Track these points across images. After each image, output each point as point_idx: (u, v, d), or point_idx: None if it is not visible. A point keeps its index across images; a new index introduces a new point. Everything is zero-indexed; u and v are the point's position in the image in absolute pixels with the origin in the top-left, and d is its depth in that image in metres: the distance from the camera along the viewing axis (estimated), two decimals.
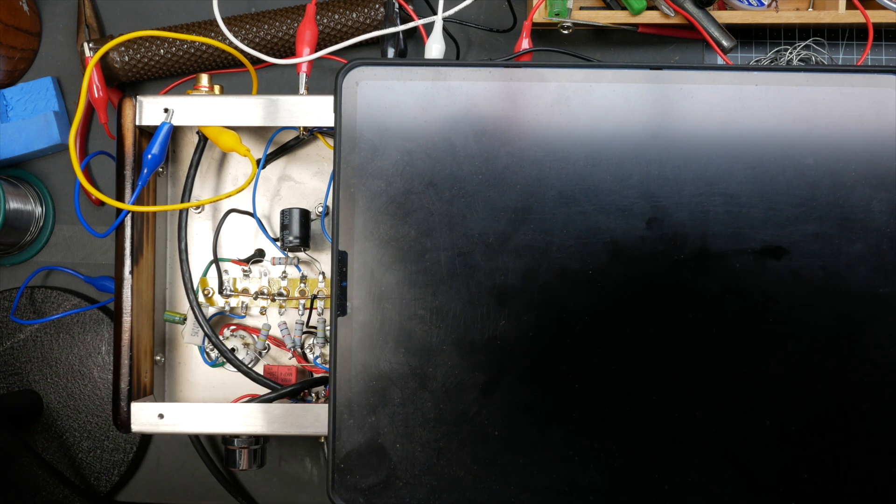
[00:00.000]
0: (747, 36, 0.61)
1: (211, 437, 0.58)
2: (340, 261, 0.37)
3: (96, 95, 0.56)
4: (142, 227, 0.46)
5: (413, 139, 0.38)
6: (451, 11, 0.52)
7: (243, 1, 0.61)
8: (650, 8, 0.56)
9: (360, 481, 0.37)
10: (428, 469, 0.37)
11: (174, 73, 0.59)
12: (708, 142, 0.38)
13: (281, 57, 0.59)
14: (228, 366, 0.49)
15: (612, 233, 0.38)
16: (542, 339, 0.38)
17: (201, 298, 0.49)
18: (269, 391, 0.45)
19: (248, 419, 0.44)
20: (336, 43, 0.52)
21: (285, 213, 0.47)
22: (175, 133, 0.49)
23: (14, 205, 0.57)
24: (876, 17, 0.55)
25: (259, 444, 0.46)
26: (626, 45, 0.61)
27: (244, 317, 0.49)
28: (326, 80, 0.59)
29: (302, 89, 0.48)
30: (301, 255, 0.49)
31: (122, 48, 0.57)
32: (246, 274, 0.49)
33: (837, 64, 0.60)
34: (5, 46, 0.58)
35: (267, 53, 0.57)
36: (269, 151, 0.48)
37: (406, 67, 0.38)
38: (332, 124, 0.45)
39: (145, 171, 0.45)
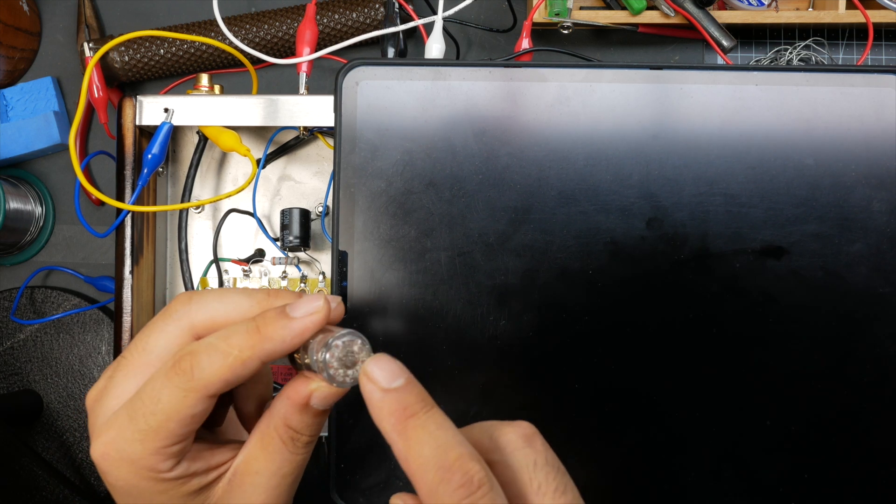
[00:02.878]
0: (747, 36, 0.61)
1: None
2: (340, 261, 0.37)
3: (96, 95, 0.56)
4: (142, 227, 0.46)
5: (413, 139, 0.38)
6: (451, 11, 0.52)
7: (243, 1, 0.61)
8: (650, 8, 0.56)
9: (360, 481, 0.37)
10: None
11: (174, 73, 0.59)
12: (708, 142, 0.38)
13: (281, 57, 0.59)
14: None
15: (612, 233, 0.38)
16: (542, 339, 0.38)
17: None
18: None
19: None
20: (336, 43, 0.52)
21: (285, 213, 0.47)
22: (175, 133, 0.49)
23: (14, 205, 0.57)
24: (876, 17, 0.55)
25: None
26: (626, 45, 0.61)
27: None
28: (326, 80, 0.59)
29: (302, 89, 0.48)
30: (301, 255, 0.49)
31: (122, 48, 0.57)
32: (246, 274, 0.49)
33: (837, 64, 0.60)
34: (5, 46, 0.58)
35: (267, 53, 0.57)
36: (269, 151, 0.48)
37: (406, 67, 0.38)
38: (332, 124, 0.45)
39: (145, 171, 0.45)
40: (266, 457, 0.30)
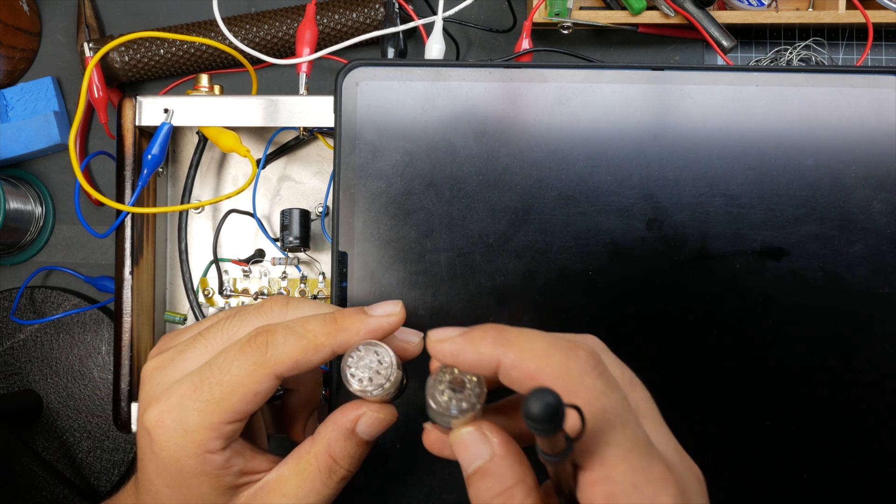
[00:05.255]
0: (747, 36, 0.61)
1: None
2: (340, 261, 0.37)
3: (96, 95, 0.56)
4: (142, 227, 0.46)
5: (413, 139, 0.38)
6: (451, 11, 0.52)
7: (243, 1, 0.61)
8: (650, 8, 0.56)
9: (360, 481, 0.37)
10: (428, 469, 0.37)
11: (174, 73, 0.59)
12: (708, 142, 0.38)
13: (281, 57, 0.59)
14: None
15: (612, 233, 0.38)
16: None
17: (201, 299, 0.49)
18: None
19: None
20: (336, 43, 0.51)
21: (285, 214, 0.47)
22: (175, 133, 0.49)
23: (14, 205, 0.57)
24: (876, 17, 0.55)
25: None
26: (626, 45, 0.61)
27: None
28: (326, 80, 0.59)
29: (302, 89, 0.48)
30: (301, 255, 0.49)
31: (122, 48, 0.57)
32: (246, 274, 0.49)
33: (837, 64, 0.60)
34: (5, 46, 0.58)
35: (267, 53, 0.57)
36: (269, 151, 0.48)
37: (406, 68, 0.38)
38: (332, 124, 0.45)
39: (145, 171, 0.45)
40: (297, 481, 0.30)
